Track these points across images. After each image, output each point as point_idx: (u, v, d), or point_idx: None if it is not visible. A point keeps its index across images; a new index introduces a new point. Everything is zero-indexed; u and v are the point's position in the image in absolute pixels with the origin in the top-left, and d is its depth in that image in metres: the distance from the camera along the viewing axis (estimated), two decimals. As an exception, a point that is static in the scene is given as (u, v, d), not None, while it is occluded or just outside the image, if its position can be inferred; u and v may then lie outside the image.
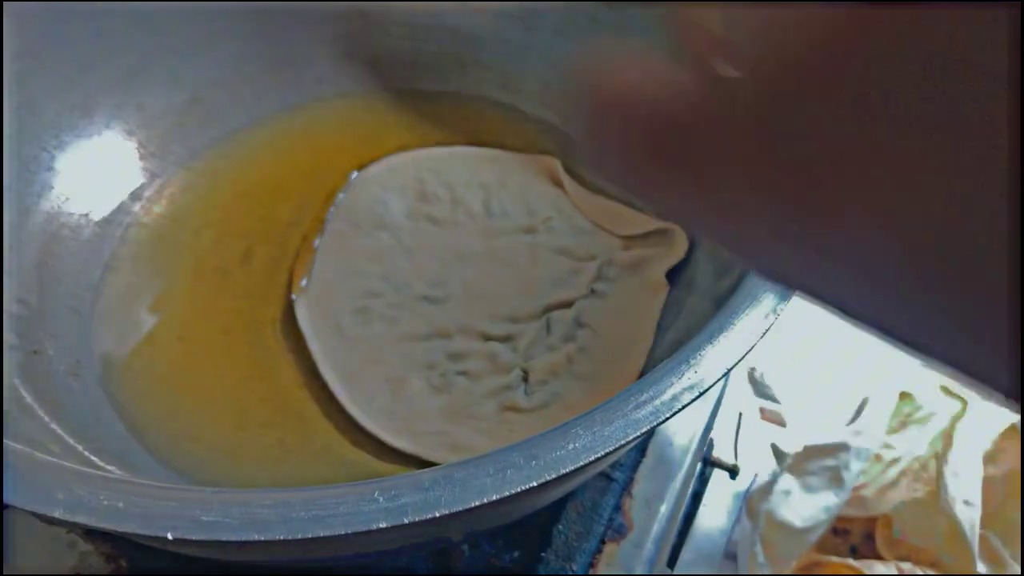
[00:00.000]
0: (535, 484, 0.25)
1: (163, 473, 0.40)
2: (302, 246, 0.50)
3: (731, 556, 0.62)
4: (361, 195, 0.52)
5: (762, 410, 0.70)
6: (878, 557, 0.66)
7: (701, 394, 0.28)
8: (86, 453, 0.36)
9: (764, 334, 0.31)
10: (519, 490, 0.25)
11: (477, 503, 0.24)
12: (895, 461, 0.62)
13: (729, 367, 0.29)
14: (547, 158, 0.53)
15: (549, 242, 0.49)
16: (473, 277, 0.48)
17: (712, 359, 0.29)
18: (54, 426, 0.37)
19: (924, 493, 0.64)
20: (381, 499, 0.24)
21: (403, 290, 0.47)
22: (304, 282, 0.48)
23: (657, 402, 0.28)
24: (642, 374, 0.43)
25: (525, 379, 0.44)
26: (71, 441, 0.37)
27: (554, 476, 0.25)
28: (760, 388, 0.72)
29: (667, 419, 0.28)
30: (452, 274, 0.48)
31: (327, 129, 0.57)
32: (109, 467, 0.37)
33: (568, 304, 0.46)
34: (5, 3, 0.46)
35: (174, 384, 0.44)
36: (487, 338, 0.45)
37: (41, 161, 0.48)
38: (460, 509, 0.24)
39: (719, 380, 0.28)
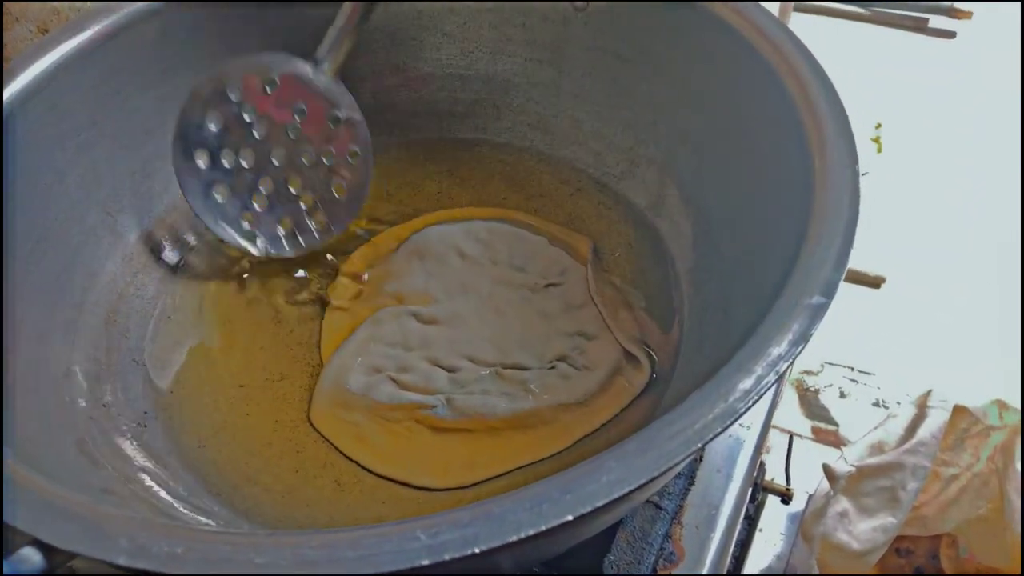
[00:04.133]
0: (570, 518, 0.26)
1: (227, 515, 0.42)
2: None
3: (791, 580, 0.62)
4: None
5: (816, 430, 0.70)
6: (944, 577, 0.65)
7: (732, 422, 0.29)
8: (152, 500, 0.38)
9: (794, 360, 0.31)
10: (555, 524, 0.26)
11: (514, 538, 0.25)
12: (954, 478, 0.61)
13: (759, 394, 0.30)
14: (582, 238, 0.55)
15: (542, 304, 0.51)
16: (463, 311, 0.51)
17: (741, 387, 0.30)
18: (118, 476, 0.39)
19: (987, 510, 0.62)
20: (423, 537, 0.26)
21: (406, 306, 0.52)
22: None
23: (689, 432, 0.29)
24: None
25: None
26: (137, 489, 0.39)
27: (589, 509, 0.26)
28: (813, 409, 0.71)
29: (699, 449, 0.28)
30: (450, 303, 0.51)
31: (372, 179, 0.59)
32: (174, 513, 0.39)
33: (524, 368, 0.48)
34: (73, 80, 0.49)
35: (234, 429, 0.46)
36: (438, 364, 0.48)
37: (106, 225, 0.51)
38: (498, 544, 0.25)
39: (749, 408, 0.29)
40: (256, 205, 0.52)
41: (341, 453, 0.45)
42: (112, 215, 0.52)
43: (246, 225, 0.52)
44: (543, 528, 0.26)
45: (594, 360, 0.47)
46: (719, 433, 0.28)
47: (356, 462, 0.45)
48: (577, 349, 0.48)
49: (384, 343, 0.50)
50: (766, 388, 0.30)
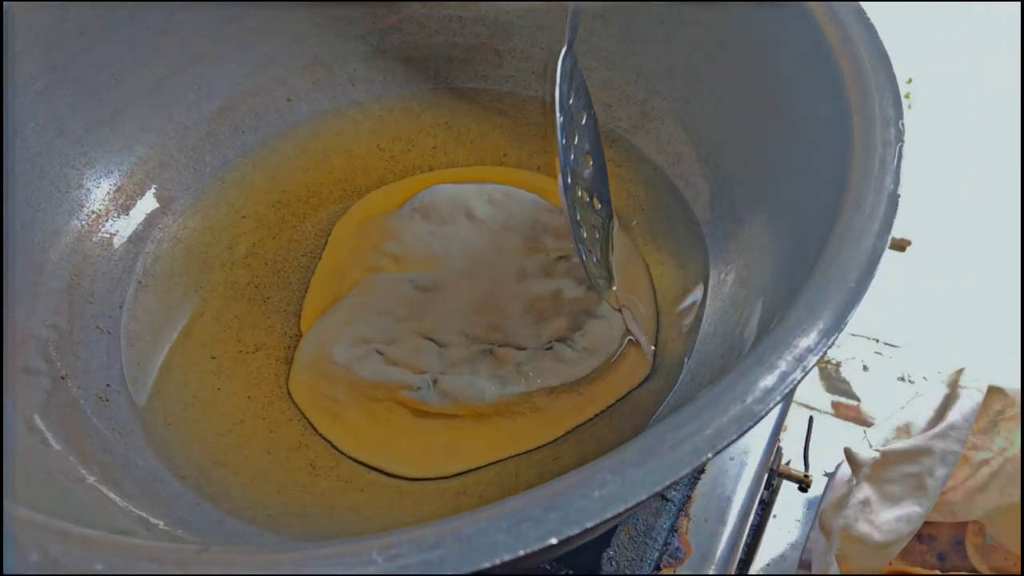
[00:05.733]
0: (554, 541, 0.22)
1: (191, 499, 0.39)
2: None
3: (806, 565, 0.58)
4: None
5: (836, 405, 0.65)
6: (968, 567, 0.61)
7: (749, 427, 0.25)
8: (100, 487, 0.35)
9: (824, 353, 0.27)
10: (536, 548, 0.22)
11: (487, 564, 0.21)
12: (985, 463, 0.57)
13: (783, 393, 0.25)
14: None
15: (550, 278, 0.46)
16: (464, 280, 0.46)
17: (762, 385, 0.25)
18: (71, 456, 0.36)
19: (1019, 497, 0.58)
20: (379, 559, 0.22)
21: (402, 270, 0.47)
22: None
23: (698, 439, 0.24)
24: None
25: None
26: (90, 473, 0.35)
27: (576, 531, 0.22)
28: (834, 383, 0.67)
29: (710, 458, 0.24)
30: (451, 270, 0.47)
31: (362, 132, 0.55)
32: (127, 499, 0.35)
33: (520, 348, 0.43)
34: (25, 20, 0.44)
35: (203, 405, 0.43)
36: (429, 338, 0.44)
37: (69, 180, 0.47)
38: (468, 571, 0.21)
39: (770, 410, 0.25)
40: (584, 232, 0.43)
41: (317, 433, 0.41)
42: (77, 168, 0.48)
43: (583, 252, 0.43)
44: (521, 553, 0.22)
45: (594, 342, 0.43)
46: (734, 440, 0.24)
47: (330, 442, 0.41)
48: (579, 329, 0.43)
49: (374, 311, 0.45)
50: (791, 387, 0.25)
